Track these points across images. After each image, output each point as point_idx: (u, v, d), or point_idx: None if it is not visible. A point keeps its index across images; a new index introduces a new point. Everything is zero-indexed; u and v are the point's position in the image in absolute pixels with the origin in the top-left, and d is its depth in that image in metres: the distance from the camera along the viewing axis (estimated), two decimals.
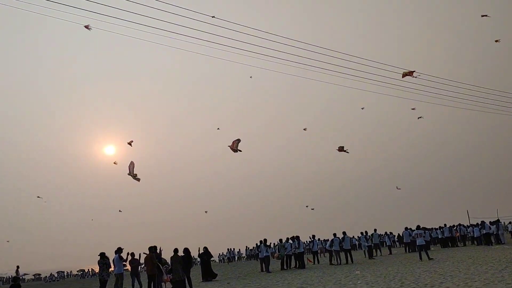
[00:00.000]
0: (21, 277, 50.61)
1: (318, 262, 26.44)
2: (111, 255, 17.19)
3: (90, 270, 65.49)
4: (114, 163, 25.99)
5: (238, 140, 18.68)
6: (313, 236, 27.47)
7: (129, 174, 21.32)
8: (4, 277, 72.11)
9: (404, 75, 20.52)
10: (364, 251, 28.24)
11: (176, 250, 15.76)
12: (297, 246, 23.60)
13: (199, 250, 20.87)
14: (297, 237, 24.00)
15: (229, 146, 18.74)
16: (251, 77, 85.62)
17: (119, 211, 49.22)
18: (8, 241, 61.20)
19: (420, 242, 21.01)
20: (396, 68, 20.64)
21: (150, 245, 16.08)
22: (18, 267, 34.12)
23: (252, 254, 47.28)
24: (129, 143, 25.36)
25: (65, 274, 71.16)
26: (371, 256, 26.61)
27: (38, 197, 47.73)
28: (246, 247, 49.33)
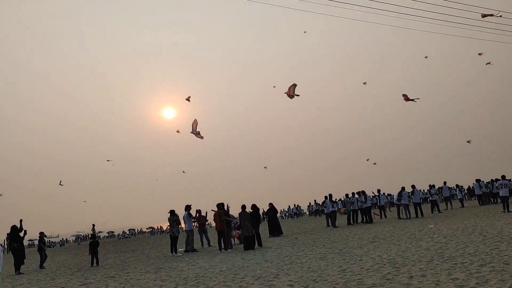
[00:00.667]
0: (97, 234, 54.01)
1: (385, 216, 25.69)
2: (180, 213, 17.55)
3: (159, 227, 68.72)
4: (177, 131, 26.22)
5: (294, 85, 17.85)
6: (379, 191, 26.66)
7: (192, 132, 21.25)
8: (82, 235, 77.65)
9: (484, 15, 18.46)
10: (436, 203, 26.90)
11: (243, 207, 15.73)
12: (363, 201, 23.02)
13: (263, 210, 20.94)
14: (363, 192, 23.36)
15: (285, 93, 18.00)
16: (305, 32, 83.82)
17: (183, 171, 50.45)
18: (85, 201, 65.19)
19: (504, 193, 19.62)
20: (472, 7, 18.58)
21: (217, 202, 16.13)
22: (93, 225, 36.43)
23: (318, 210, 47.42)
24: (187, 99, 25.33)
25: (136, 231, 75.10)
26: (433, 209, 25.05)
27: (108, 160, 50.22)
28: (309, 203, 49.22)
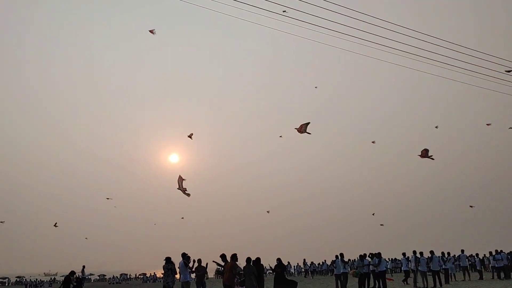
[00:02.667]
0: (86, 277, 51.38)
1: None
2: (176, 261, 15.78)
3: (152, 274, 65.76)
4: (189, 136, 25.28)
5: (307, 124, 16.87)
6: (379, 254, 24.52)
7: (178, 189, 20.30)
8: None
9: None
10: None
11: (249, 260, 13.98)
12: (376, 264, 21.06)
13: (269, 266, 19.02)
14: (378, 254, 21.39)
15: (296, 128, 17.05)
16: (316, 87, 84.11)
17: (182, 218, 48.35)
18: (86, 238, 62.89)
19: None
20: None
21: (232, 253, 14.29)
22: (84, 266, 34.09)
23: (328, 269, 45.02)
24: (189, 136, 24.86)
25: (127, 276, 72.24)
26: (447, 281, 22.85)
27: (108, 198, 48.29)
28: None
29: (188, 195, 19.65)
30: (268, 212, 52.20)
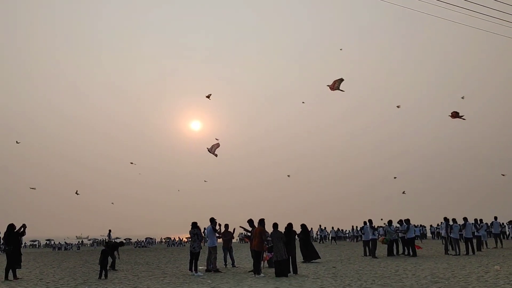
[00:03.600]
0: (114, 240, 52.41)
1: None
2: (201, 227, 15.53)
3: (177, 238, 66.87)
4: (207, 96, 25.57)
5: (341, 80, 15.94)
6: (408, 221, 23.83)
7: (209, 151, 20.04)
8: (99, 239, 76.60)
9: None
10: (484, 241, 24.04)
11: (276, 225, 13.52)
12: (406, 230, 20.50)
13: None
14: (407, 220, 20.79)
15: (328, 85, 16.15)
16: (341, 49, 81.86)
17: (204, 181, 48.34)
18: (112, 203, 64.23)
19: None
20: None
21: (260, 218, 13.86)
22: (110, 230, 34.57)
23: (354, 235, 44.81)
24: (208, 97, 24.84)
25: (154, 241, 73.69)
26: (478, 248, 22.01)
27: (132, 163, 48.43)
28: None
29: (216, 155, 19.55)
30: (288, 176, 51.80)
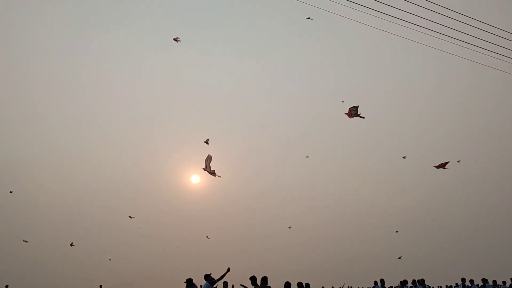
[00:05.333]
0: None
1: None
2: (198, 283, 14.06)
3: None
4: (206, 142, 24.13)
5: (356, 107, 15.10)
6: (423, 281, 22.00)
7: (204, 170, 18.66)
8: None
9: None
10: None
11: (288, 285, 12.07)
12: None
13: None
14: (422, 281, 19.16)
15: (346, 113, 15.32)
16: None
17: (207, 237, 46.01)
18: (110, 259, 61.80)
19: None
20: None
21: (263, 276, 12.39)
22: (101, 286, 32.61)
23: None
24: (206, 142, 23.53)
25: None
26: None
27: (130, 217, 46.69)
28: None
29: (216, 175, 18.33)
30: (289, 228, 49.93)
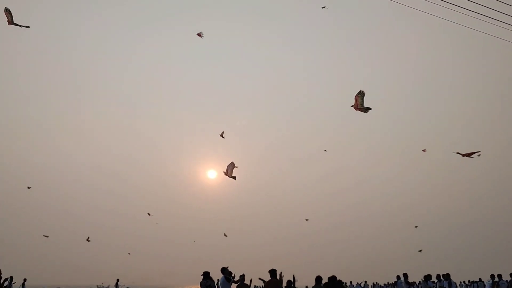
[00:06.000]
0: None
1: None
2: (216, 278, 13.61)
3: None
4: (221, 135, 24.85)
5: (361, 94, 14.20)
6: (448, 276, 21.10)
7: (225, 174, 18.55)
8: None
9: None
10: None
11: (319, 279, 11.63)
12: (445, 287, 18.08)
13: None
14: (448, 275, 18.38)
15: (352, 106, 14.52)
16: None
17: (224, 235, 45.47)
18: (129, 253, 62.47)
19: None
20: None
21: (270, 268, 11.87)
22: (118, 280, 32.54)
23: None
24: (221, 135, 24.33)
25: None
26: None
27: (149, 214, 46.69)
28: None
29: (234, 178, 18.36)
30: (307, 220, 49.43)
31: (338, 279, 15.36)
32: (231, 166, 18.34)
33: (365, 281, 42.17)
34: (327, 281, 12.66)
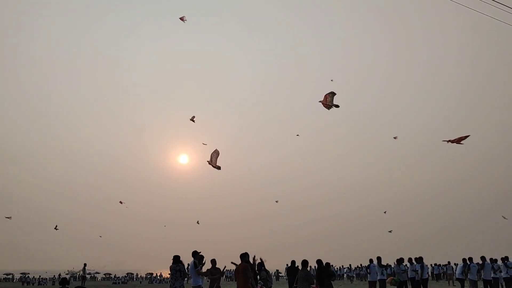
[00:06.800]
0: (87, 275, 48.80)
1: None
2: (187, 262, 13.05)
3: (158, 274, 63.06)
4: (191, 119, 24.63)
5: (332, 94, 14.21)
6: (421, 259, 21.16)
7: (209, 163, 17.97)
8: (75, 274, 72.28)
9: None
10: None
11: (305, 263, 11.31)
12: (417, 270, 18.17)
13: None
14: (420, 259, 18.43)
15: (320, 101, 14.49)
16: (332, 80, 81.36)
17: (197, 222, 44.77)
18: (100, 236, 63.20)
19: None
20: None
21: (241, 252, 11.35)
22: (85, 264, 31.87)
23: (359, 274, 42.20)
24: (192, 119, 23.97)
25: (134, 276, 69.80)
26: None
27: (121, 202, 45.59)
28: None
29: (219, 168, 17.95)
30: (276, 202, 49.35)
31: (325, 262, 15.09)
32: (215, 154, 17.73)
33: (342, 265, 42.64)
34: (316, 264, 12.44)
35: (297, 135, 62.64)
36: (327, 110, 15.16)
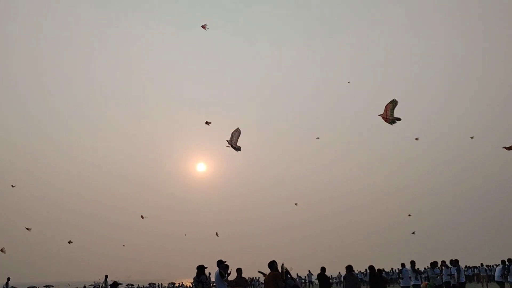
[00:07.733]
0: (109, 286, 48.57)
1: None
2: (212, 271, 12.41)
3: (180, 284, 62.71)
4: (207, 123, 24.26)
5: (394, 103, 13.17)
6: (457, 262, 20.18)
7: (229, 143, 17.09)
8: (99, 285, 72.43)
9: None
10: None
11: (350, 268, 10.71)
12: (452, 274, 17.18)
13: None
14: (456, 261, 17.41)
15: (380, 115, 13.38)
16: (349, 82, 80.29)
17: (216, 234, 44.07)
18: (124, 245, 63.01)
19: None
20: None
21: (270, 260, 10.65)
22: (106, 276, 31.62)
23: (391, 279, 40.61)
24: (207, 123, 23.63)
25: (157, 286, 69.63)
26: None
27: (142, 216, 45.59)
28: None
29: (239, 148, 17.27)
30: (296, 204, 48.45)
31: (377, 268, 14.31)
32: (237, 133, 16.85)
33: (366, 269, 41.41)
34: (367, 270, 11.78)
35: (317, 138, 61.67)
36: (386, 121, 13.92)
